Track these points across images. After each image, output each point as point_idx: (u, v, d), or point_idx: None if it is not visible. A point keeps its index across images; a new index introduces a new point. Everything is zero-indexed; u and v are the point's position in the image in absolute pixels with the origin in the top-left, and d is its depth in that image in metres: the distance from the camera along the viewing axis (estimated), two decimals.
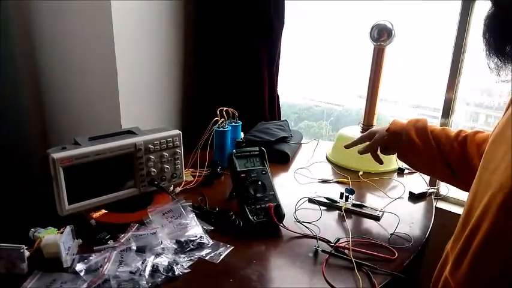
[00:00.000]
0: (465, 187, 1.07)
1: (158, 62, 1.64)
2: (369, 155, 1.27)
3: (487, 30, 0.73)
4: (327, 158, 1.64)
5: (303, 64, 2.11)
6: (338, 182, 1.43)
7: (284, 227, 1.11)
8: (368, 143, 1.25)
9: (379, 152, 1.26)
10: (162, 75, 1.68)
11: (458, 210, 1.63)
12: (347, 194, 1.26)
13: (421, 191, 1.34)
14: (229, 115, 1.50)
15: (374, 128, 1.28)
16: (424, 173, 1.27)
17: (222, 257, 1.00)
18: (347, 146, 1.33)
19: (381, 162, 1.27)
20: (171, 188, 1.28)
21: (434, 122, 1.67)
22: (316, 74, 2.13)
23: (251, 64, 1.74)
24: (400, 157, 1.21)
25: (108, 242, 1.01)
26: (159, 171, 1.21)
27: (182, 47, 1.75)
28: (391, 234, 1.11)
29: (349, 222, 1.18)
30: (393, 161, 1.51)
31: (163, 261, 0.95)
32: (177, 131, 1.24)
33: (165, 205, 1.13)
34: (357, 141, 1.29)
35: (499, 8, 0.71)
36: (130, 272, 0.90)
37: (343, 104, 2.23)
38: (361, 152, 1.27)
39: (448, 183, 1.20)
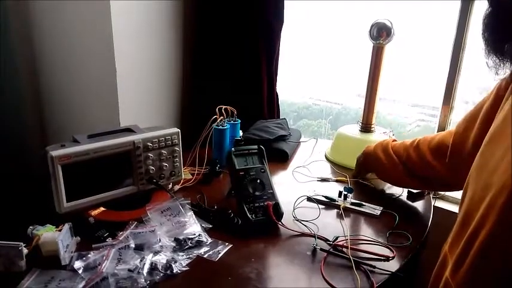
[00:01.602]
0: (431, 187, 1.25)
1: (157, 60, 1.64)
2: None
3: (485, 29, 0.73)
4: (325, 157, 1.64)
5: (302, 62, 2.11)
6: (337, 181, 1.44)
7: (282, 225, 1.11)
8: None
9: (369, 175, 1.41)
10: (160, 73, 1.67)
11: (457, 209, 1.62)
12: (345, 193, 1.26)
13: (419, 190, 1.34)
14: (228, 113, 1.50)
15: (358, 156, 1.40)
16: (398, 186, 1.33)
17: (220, 255, 1.00)
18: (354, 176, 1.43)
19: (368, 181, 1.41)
20: (170, 186, 1.28)
21: (433, 120, 1.67)
22: (315, 73, 2.13)
23: (250, 62, 1.74)
24: (378, 175, 1.33)
25: (107, 240, 1.01)
26: (157, 169, 1.21)
27: (181, 45, 1.74)
28: (390, 233, 1.11)
29: (347, 221, 1.18)
30: None
31: (161, 259, 0.95)
32: (176, 129, 1.24)
33: (163, 203, 1.13)
34: (355, 174, 1.43)
35: (496, 7, 0.71)
36: (129, 270, 0.90)
37: (342, 102, 2.22)
38: (353, 177, 1.42)
39: (427, 189, 1.31)
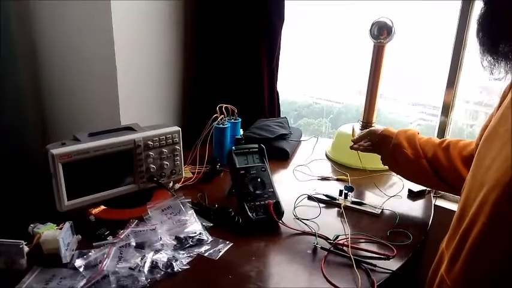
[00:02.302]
0: (452, 190, 1.16)
1: (157, 58, 1.64)
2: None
3: (480, 29, 0.73)
4: (326, 156, 1.64)
5: (303, 61, 2.10)
6: (337, 180, 1.44)
7: (283, 224, 1.12)
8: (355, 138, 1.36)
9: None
10: (161, 72, 1.67)
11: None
12: (346, 192, 1.26)
13: (420, 189, 1.34)
14: (229, 112, 1.50)
15: (373, 128, 1.33)
16: (409, 179, 1.27)
17: (221, 254, 1.00)
18: (353, 142, 1.36)
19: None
20: (171, 184, 1.28)
21: (433, 120, 1.67)
22: (316, 71, 2.13)
23: (251, 61, 1.74)
24: (386, 160, 1.26)
25: (108, 238, 1.01)
26: (158, 168, 1.21)
27: (182, 44, 1.74)
28: (390, 231, 1.11)
29: (348, 220, 1.18)
30: None
31: (162, 257, 0.95)
32: (177, 128, 1.24)
33: (164, 201, 1.13)
34: (357, 139, 1.34)
35: (490, 8, 0.71)
36: (130, 268, 0.90)
37: (342, 101, 2.23)
38: (352, 142, 1.35)
39: (434, 188, 1.27)
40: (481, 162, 0.77)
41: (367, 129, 1.36)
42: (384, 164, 1.29)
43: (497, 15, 0.71)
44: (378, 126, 1.32)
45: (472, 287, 0.73)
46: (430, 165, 1.15)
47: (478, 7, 1.44)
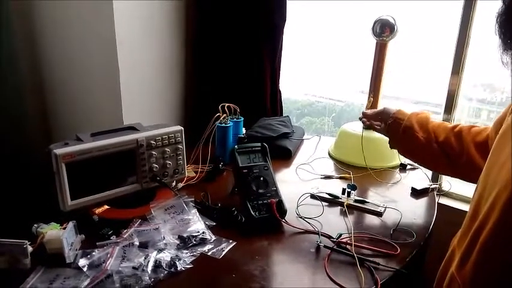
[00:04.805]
0: (462, 176, 1.16)
1: (160, 58, 1.64)
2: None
3: (500, 26, 0.72)
4: (329, 154, 1.64)
5: (305, 60, 2.10)
6: (340, 178, 1.43)
7: (286, 222, 1.11)
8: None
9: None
10: (164, 72, 1.67)
11: (461, 205, 1.63)
12: (349, 190, 1.26)
13: (423, 187, 1.34)
14: (231, 111, 1.50)
15: (387, 107, 1.32)
16: (419, 162, 1.28)
17: (224, 253, 1.00)
18: (365, 116, 1.39)
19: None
20: (173, 183, 1.28)
21: (436, 118, 1.66)
22: (318, 70, 2.13)
23: (253, 60, 1.73)
24: (395, 143, 1.26)
25: (111, 238, 1.02)
26: (161, 167, 1.21)
27: (184, 43, 1.74)
28: (394, 229, 1.11)
29: (351, 218, 1.18)
30: (395, 157, 1.51)
31: (165, 256, 0.95)
32: (179, 127, 1.24)
33: (167, 201, 1.13)
34: (371, 116, 1.36)
35: (510, 6, 0.71)
36: (133, 268, 0.90)
37: (345, 100, 2.22)
38: (366, 117, 1.37)
39: (443, 173, 1.27)
40: (495, 161, 0.77)
41: (382, 108, 1.35)
42: (391, 147, 1.28)
43: None
44: (391, 106, 1.31)
45: (483, 285, 0.73)
46: (441, 149, 1.14)
47: (480, 5, 1.45)
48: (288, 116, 1.83)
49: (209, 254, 0.99)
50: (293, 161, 1.57)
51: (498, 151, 0.78)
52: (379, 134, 1.36)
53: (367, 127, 1.41)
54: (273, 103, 1.84)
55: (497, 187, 0.70)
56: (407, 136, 1.20)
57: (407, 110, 1.26)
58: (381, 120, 1.31)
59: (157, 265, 0.93)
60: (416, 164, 1.49)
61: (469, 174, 1.10)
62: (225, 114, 1.46)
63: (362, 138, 1.44)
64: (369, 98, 1.50)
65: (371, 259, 0.97)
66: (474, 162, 1.07)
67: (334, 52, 2.02)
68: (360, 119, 1.39)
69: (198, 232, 1.05)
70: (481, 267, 0.72)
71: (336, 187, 1.32)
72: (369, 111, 1.39)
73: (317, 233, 1.08)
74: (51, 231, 0.98)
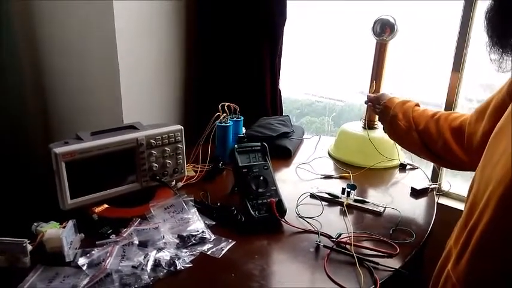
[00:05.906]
0: (442, 162, 1.22)
1: (160, 57, 1.64)
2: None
3: (488, 23, 0.73)
4: (328, 154, 1.64)
5: (305, 59, 2.10)
6: (340, 178, 1.43)
7: (286, 222, 1.12)
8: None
9: None
10: (164, 71, 1.68)
11: (460, 205, 1.63)
12: (349, 190, 1.26)
13: (423, 187, 1.34)
14: (231, 110, 1.50)
15: (386, 93, 1.40)
16: (403, 147, 1.35)
17: (223, 252, 1.00)
18: (369, 100, 1.46)
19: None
20: (173, 183, 1.28)
21: None
22: (318, 70, 2.13)
23: (253, 59, 1.74)
24: (389, 133, 1.34)
25: (111, 237, 1.02)
26: (161, 166, 1.21)
27: (184, 43, 1.74)
28: (393, 229, 1.11)
29: (350, 218, 1.18)
30: (395, 157, 1.51)
31: (165, 255, 0.96)
32: (179, 126, 1.24)
33: (167, 200, 1.13)
34: (374, 99, 1.43)
35: (499, 2, 0.71)
36: (133, 267, 0.90)
37: (345, 99, 2.22)
38: (370, 101, 1.45)
39: (422, 157, 1.30)
40: (490, 158, 0.77)
41: (381, 93, 1.45)
42: (385, 132, 1.35)
43: (506, 9, 0.71)
44: (389, 94, 1.39)
45: (476, 283, 0.73)
46: (420, 137, 1.21)
47: (481, 4, 1.45)
48: (287, 115, 1.83)
49: (209, 253, 1.00)
50: (293, 161, 1.57)
51: (493, 148, 0.78)
52: (379, 133, 1.34)
53: (369, 127, 1.49)
54: (273, 102, 1.84)
55: (491, 185, 0.70)
56: (393, 123, 1.28)
57: (399, 97, 1.33)
58: (379, 104, 1.39)
59: (156, 264, 0.93)
60: (415, 164, 1.52)
61: (445, 156, 1.16)
62: (225, 114, 1.46)
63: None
64: (371, 83, 1.51)
65: (370, 259, 0.98)
66: (449, 147, 1.13)
67: (334, 52, 2.02)
68: (366, 102, 1.47)
69: (198, 231, 1.05)
70: (475, 264, 0.72)
71: (335, 187, 1.32)
72: (372, 95, 1.47)
73: (316, 233, 1.08)
74: (50, 230, 0.98)
